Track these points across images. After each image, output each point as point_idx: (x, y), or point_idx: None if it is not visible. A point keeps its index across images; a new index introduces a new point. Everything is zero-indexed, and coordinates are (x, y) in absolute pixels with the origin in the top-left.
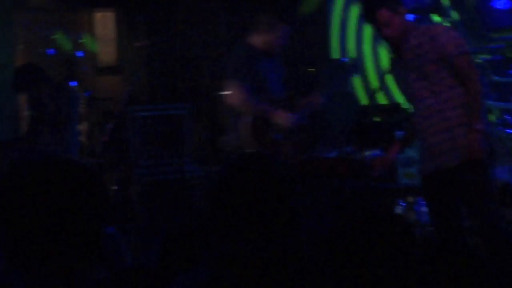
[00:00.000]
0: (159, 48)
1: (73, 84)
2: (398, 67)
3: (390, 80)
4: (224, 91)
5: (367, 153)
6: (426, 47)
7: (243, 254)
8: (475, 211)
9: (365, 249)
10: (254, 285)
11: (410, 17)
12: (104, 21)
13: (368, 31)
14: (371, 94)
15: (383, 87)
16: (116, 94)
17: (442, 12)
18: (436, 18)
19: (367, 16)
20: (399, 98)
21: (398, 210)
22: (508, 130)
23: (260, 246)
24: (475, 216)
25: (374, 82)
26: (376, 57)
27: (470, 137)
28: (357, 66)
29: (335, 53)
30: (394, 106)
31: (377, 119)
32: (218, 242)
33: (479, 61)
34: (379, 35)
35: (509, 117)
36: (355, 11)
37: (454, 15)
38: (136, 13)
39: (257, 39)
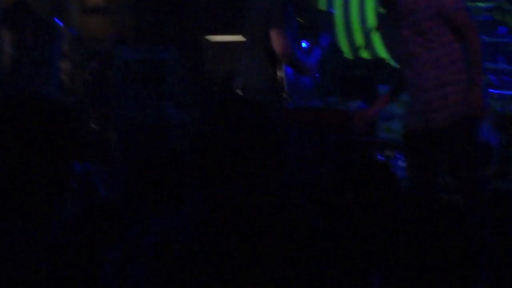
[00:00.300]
0: None
1: (58, 22)
2: (388, 23)
3: (375, 36)
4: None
5: (351, 104)
6: (422, 4)
7: (231, 196)
8: (460, 170)
9: (352, 195)
10: (244, 228)
11: None
12: None
13: None
14: (355, 48)
15: (368, 42)
16: (102, 35)
17: None
18: None
19: None
20: (383, 54)
21: None
22: (492, 90)
23: (247, 188)
24: (460, 175)
25: (359, 37)
26: (362, 11)
27: (473, 93)
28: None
29: (322, 5)
30: (378, 61)
31: (361, 73)
32: (202, 185)
33: None
34: None
35: (494, 77)
36: None
37: None
38: None
39: None
